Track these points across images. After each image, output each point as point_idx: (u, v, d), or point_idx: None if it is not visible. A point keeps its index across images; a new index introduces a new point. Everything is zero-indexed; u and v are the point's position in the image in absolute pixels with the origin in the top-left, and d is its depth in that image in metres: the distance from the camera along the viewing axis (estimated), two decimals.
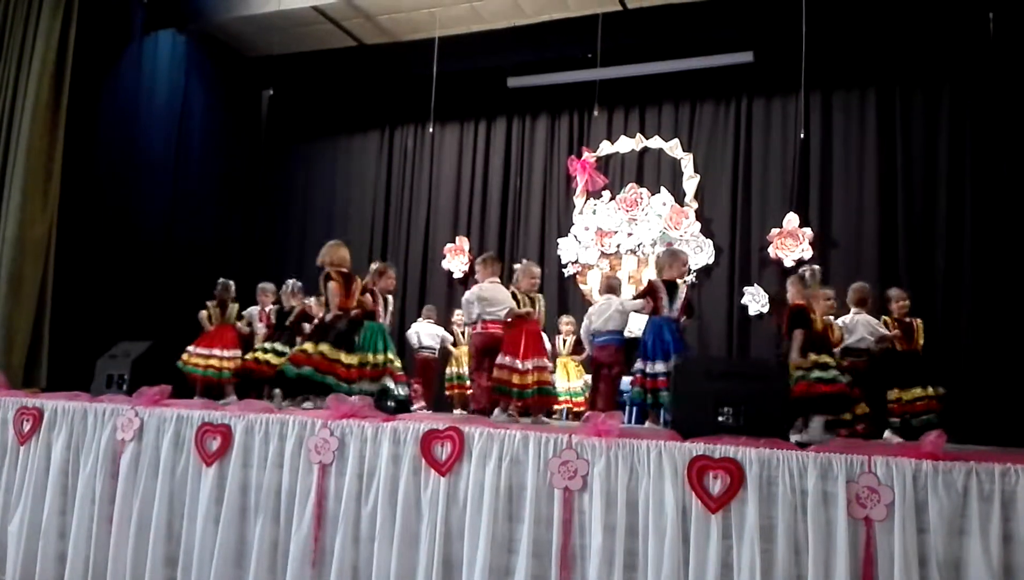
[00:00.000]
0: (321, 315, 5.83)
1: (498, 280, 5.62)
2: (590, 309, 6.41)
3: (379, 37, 9.28)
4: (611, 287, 6.67)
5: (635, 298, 5.75)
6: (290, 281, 6.83)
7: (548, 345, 7.87)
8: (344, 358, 5.27)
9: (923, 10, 7.63)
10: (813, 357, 4.88)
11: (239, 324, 7.15)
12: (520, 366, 5.18)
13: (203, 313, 7.03)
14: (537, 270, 5.66)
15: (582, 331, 6.41)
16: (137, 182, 8.66)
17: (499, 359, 5.24)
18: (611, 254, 9.22)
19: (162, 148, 9.07)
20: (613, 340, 5.85)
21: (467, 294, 5.74)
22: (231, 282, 7.14)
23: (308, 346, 5.30)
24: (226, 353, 6.86)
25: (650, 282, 5.59)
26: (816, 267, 5.52)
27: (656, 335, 5.17)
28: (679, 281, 5.45)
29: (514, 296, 5.45)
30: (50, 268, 7.42)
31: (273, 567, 3.98)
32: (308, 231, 10.53)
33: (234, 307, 7.13)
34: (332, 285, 5.35)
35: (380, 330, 5.66)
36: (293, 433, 4.06)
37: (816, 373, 4.84)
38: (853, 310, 6.18)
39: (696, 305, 8.36)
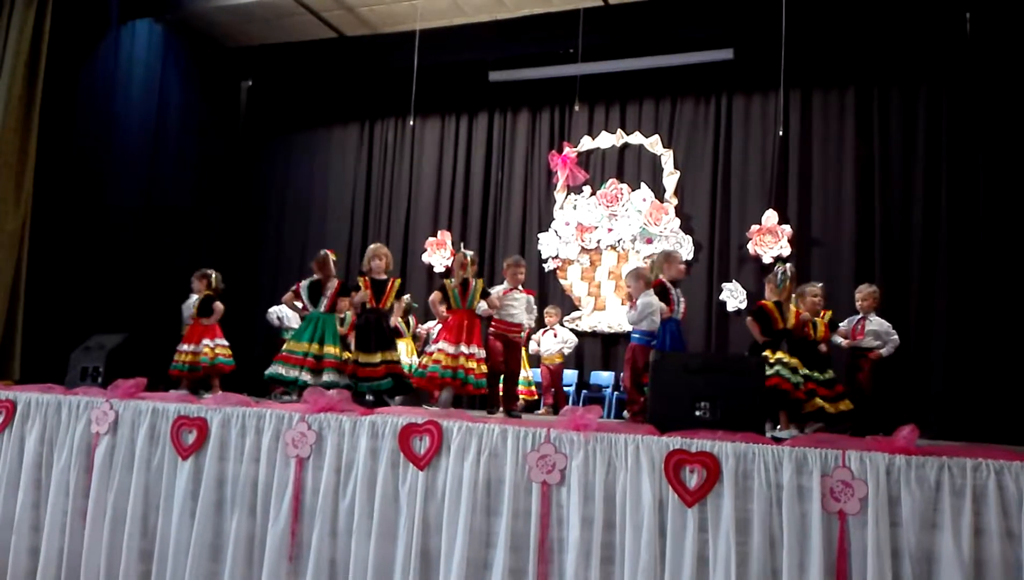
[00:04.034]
0: None
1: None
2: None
3: (360, 29, 9.24)
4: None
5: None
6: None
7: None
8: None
9: (901, 9, 7.71)
10: (779, 354, 5.03)
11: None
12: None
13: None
14: (470, 255, 5.73)
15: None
16: (113, 174, 8.54)
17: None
18: (591, 249, 9.24)
19: (138, 140, 8.94)
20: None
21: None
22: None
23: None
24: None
25: (662, 282, 5.38)
26: (788, 265, 5.54)
27: (673, 336, 5.22)
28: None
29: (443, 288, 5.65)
30: (24, 261, 7.30)
31: (250, 561, 3.96)
32: (286, 224, 10.49)
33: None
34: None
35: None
36: (270, 426, 4.04)
37: (777, 369, 4.97)
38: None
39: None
